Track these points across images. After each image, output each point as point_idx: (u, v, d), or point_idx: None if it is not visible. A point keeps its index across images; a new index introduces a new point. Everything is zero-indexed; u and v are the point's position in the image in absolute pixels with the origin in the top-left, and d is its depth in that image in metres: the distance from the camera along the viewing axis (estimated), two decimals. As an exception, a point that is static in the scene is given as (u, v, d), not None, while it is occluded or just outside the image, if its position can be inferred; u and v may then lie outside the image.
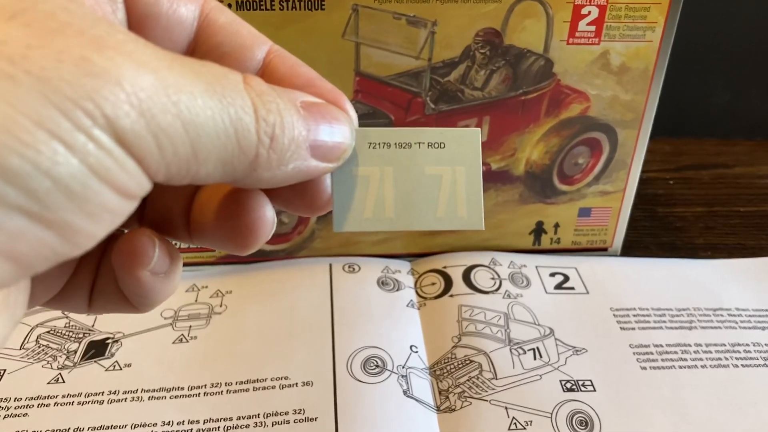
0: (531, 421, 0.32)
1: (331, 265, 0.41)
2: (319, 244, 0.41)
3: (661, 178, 0.52)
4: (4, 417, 0.31)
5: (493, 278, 0.40)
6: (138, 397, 0.33)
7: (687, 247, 0.45)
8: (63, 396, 0.33)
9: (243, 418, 0.31)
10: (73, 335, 0.36)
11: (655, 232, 0.46)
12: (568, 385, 0.34)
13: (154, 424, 0.31)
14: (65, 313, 0.37)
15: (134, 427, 0.31)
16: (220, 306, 0.38)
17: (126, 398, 0.33)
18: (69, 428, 0.31)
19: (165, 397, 0.33)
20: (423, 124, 0.38)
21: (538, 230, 0.42)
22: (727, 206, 0.49)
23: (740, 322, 0.38)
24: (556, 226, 0.42)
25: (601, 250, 0.43)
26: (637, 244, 0.44)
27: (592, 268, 0.42)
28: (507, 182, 0.40)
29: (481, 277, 0.40)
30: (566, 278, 0.41)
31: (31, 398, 0.32)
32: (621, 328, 0.38)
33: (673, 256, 0.44)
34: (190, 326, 0.37)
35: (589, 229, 0.42)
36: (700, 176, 0.52)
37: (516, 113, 0.38)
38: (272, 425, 0.31)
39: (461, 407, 0.33)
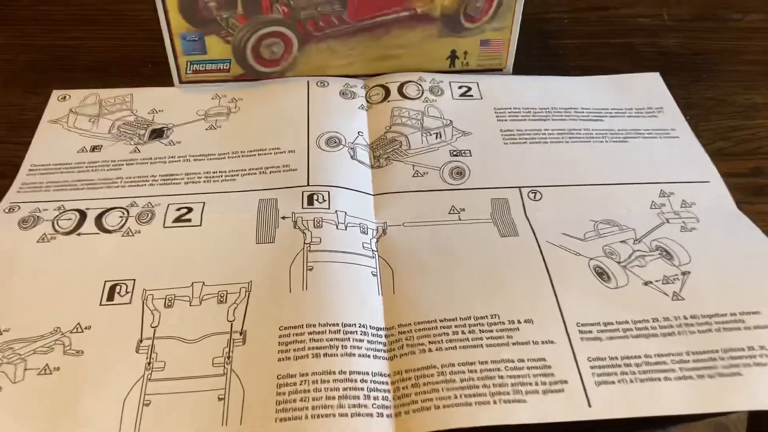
0: (427, 172, 0.52)
1: (308, 82, 0.59)
2: (301, 67, 0.60)
3: (558, 18, 0.69)
4: (108, 170, 0.52)
5: (418, 90, 0.59)
6: (187, 159, 0.53)
7: (563, 68, 0.63)
8: (141, 159, 0.53)
9: (253, 170, 0.52)
10: (140, 125, 0.56)
11: (542, 58, 0.64)
12: (454, 153, 0.54)
13: (199, 173, 0.52)
14: (133, 111, 0.57)
15: (186, 174, 0.52)
16: (235, 108, 0.57)
17: (180, 160, 0.53)
18: (147, 176, 0.52)
19: (204, 159, 0.53)
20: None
21: (453, 57, 0.60)
22: (602, 39, 0.66)
23: (581, 116, 0.58)
24: (465, 53, 0.60)
25: (498, 71, 0.62)
26: (527, 67, 0.62)
27: (489, 83, 0.60)
28: (428, 22, 0.58)
29: (410, 89, 0.59)
30: (469, 89, 0.60)
31: (122, 160, 0.53)
32: (498, 119, 0.57)
33: (551, 75, 0.62)
34: (216, 119, 0.56)
35: (488, 55, 0.61)
36: (589, 17, 0.69)
37: (431, -28, 0.55)
38: (270, 173, 0.52)
39: (386, 165, 0.53)
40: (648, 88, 0.61)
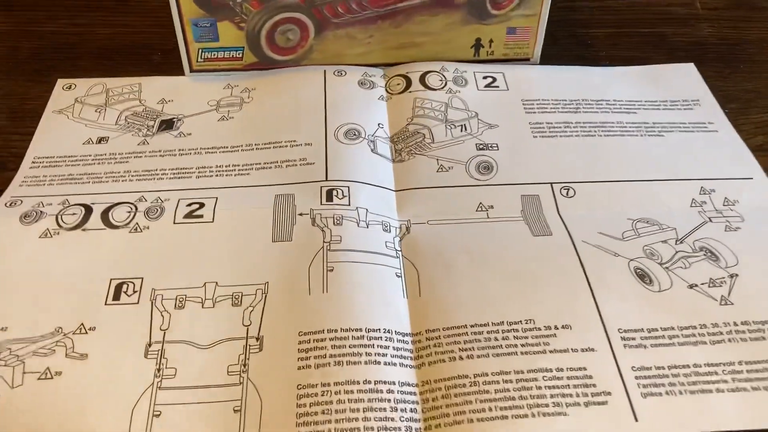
0: (452, 167, 0.49)
1: (325, 71, 0.56)
2: (317, 56, 0.57)
3: (587, 7, 0.65)
4: (115, 163, 0.49)
5: (441, 80, 0.56)
6: (198, 152, 0.50)
7: (592, 58, 0.60)
8: (150, 152, 0.50)
9: (268, 163, 0.49)
10: (149, 116, 0.53)
11: (571, 48, 0.61)
12: (480, 146, 0.51)
13: (211, 167, 0.49)
14: (142, 101, 0.54)
15: (198, 168, 0.49)
16: (248, 98, 0.54)
17: (191, 153, 0.50)
18: (156, 169, 0.49)
19: (216, 152, 0.50)
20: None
21: (477, 45, 0.57)
22: (633, 28, 0.63)
23: (613, 108, 0.54)
24: (491, 41, 0.57)
25: (525, 60, 0.58)
26: (555, 57, 0.59)
27: (515, 73, 0.57)
28: (453, 8, 0.55)
29: (432, 79, 0.56)
30: (494, 79, 0.57)
31: (130, 153, 0.50)
32: (526, 112, 0.54)
33: (580, 65, 0.59)
34: (229, 110, 0.53)
35: (515, 43, 0.57)
36: (618, 5, 0.66)
37: (457, -45, 0.52)
38: (286, 167, 0.49)
39: (408, 159, 0.50)
40: (683, 80, 0.58)
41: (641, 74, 0.58)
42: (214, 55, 0.56)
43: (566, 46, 0.61)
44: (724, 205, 0.47)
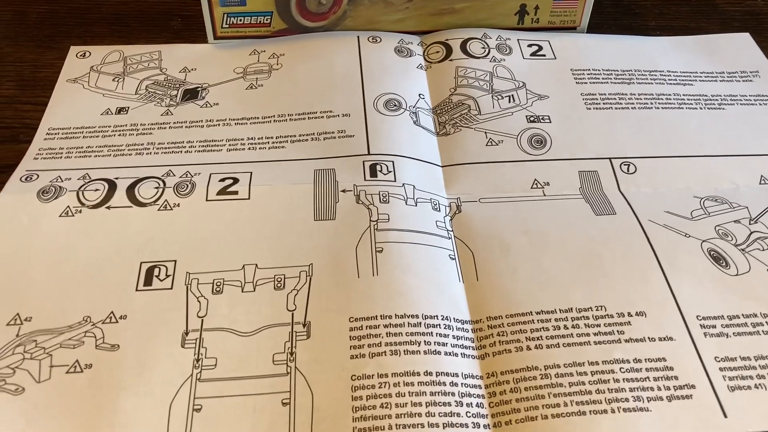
0: (502, 141, 0.46)
1: (358, 37, 0.53)
2: (350, 23, 0.53)
3: (631, -27, 0.62)
4: (137, 134, 0.45)
5: (483, 47, 0.52)
6: (227, 123, 0.46)
7: (641, 28, 0.56)
8: (174, 123, 0.46)
9: (303, 135, 0.45)
10: (172, 85, 0.49)
11: (618, 17, 0.57)
12: (531, 118, 0.47)
13: (242, 139, 0.45)
14: (163, 70, 0.50)
15: (228, 140, 0.45)
16: (277, 64, 0.51)
17: (219, 124, 0.46)
18: (183, 141, 0.45)
19: (246, 123, 0.46)
20: None
21: (522, 12, 0.54)
22: (681, -4, 0.60)
23: (668, 79, 0.51)
24: (536, 8, 0.53)
25: (571, 29, 0.55)
26: (601, 26, 0.56)
27: (562, 41, 0.54)
28: (497, -30, 0.51)
29: (474, 47, 0.52)
30: (540, 48, 0.53)
31: (153, 124, 0.46)
32: (576, 82, 0.50)
33: (628, 34, 0.55)
34: (257, 78, 0.50)
35: (562, 10, 0.54)
36: (665, -29, 0.62)
37: None
38: (324, 139, 0.45)
39: (454, 132, 0.46)
40: (739, 51, 0.54)
41: (694, 44, 0.55)
42: (240, 20, 0.52)
43: (613, 14, 0.57)
44: (795, 183, 0.44)
